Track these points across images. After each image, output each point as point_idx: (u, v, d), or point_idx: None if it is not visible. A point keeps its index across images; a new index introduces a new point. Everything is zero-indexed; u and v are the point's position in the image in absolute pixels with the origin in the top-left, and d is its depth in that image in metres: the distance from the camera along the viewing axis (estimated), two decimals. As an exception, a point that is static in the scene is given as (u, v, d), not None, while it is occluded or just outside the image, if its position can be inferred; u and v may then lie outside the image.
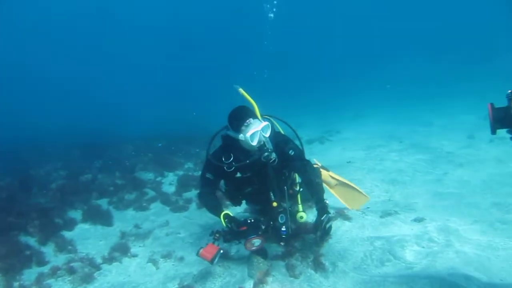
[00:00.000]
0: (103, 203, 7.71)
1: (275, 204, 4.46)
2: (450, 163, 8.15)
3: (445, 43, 32.85)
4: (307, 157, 9.33)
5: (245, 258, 4.64)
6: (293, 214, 4.63)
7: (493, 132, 2.49)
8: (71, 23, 36.60)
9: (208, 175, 4.55)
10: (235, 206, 5.06)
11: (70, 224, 6.67)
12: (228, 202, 5.34)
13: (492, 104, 2.46)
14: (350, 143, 11.33)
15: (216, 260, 4.09)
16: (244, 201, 5.03)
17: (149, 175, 9.37)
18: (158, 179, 9.17)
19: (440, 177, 7.25)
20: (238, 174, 4.50)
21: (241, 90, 4.68)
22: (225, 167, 4.36)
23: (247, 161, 4.26)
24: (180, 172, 9.63)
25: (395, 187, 6.89)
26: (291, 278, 4.21)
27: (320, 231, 4.28)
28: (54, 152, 11.88)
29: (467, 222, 5.19)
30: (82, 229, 6.64)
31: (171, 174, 9.57)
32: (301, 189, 4.78)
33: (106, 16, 37.53)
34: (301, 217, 4.54)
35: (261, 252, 4.53)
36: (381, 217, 5.47)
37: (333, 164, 8.80)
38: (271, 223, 4.42)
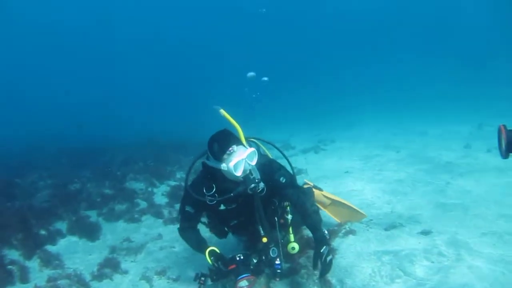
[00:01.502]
0: (92, 214, 7.35)
1: (265, 239, 4.04)
2: (449, 173, 7.96)
3: (437, 48, 33.14)
4: (303, 167, 9.21)
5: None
6: (284, 245, 4.23)
7: (506, 156, 2.26)
8: (56, 28, 36.33)
9: (188, 208, 4.17)
10: (220, 239, 4.64)
11: (56, 237, 6.32)
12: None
13: (505, 126, 2.24)
14: (346, 153, 11.13)
15: None
16: (230, 233, 4.61)
17: (140, 185, 9.04)
18: (150, 189, 8.83)
19: (442, 188, 7.05)
20: (222, 207, 4.11)
21: (223, 112, 4.23)
22: (206, 200, 3.96)
23: (231, 194, 3.83)
24: (173, 183, 9.32)
25: (397, 198, 6.67)
26: (297, 297, 3.95)
27: (320, 265, 3.83)
28: (41, 160, 11.54)
29: (475, 235, 4.96)
30: (70, 241, 6.30)
31: (163, 184, 9.25)
32: (292, 217, 4.37)
33: (95, 21, 37.34)
34: (293, 248, 4.18)
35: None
36: (385, 229, 5.23)
37: (331, 174, 8.61)
38: (263, 257, 4.08)
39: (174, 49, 41.73)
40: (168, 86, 37.38)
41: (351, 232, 5.08)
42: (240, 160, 3.71)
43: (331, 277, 4.11)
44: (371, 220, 5.64)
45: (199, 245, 4.15)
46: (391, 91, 23.92)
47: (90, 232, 6.45)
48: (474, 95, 18.79)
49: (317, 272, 3.96)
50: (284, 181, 4.08)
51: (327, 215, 5.54)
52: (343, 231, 5.14)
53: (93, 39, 38.74)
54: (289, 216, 4.35)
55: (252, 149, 3.86)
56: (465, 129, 12.76)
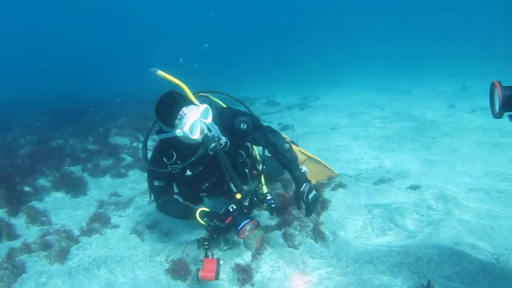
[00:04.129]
0: (77, 170, 7.23)
1: (238, 195, 3.82)
2: (435, 131, 8.02)
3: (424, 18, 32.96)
4: (289, 122, 9.14)
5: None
6: (259, 203, 4.09)
7: (499, 115, 2.11)
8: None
9: (156, 183, 3.90)
10: (197, 206, 4.20)
11: (41, 193, 6.18)
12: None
13: (499, 82, 2.09)
14: (331, 110, 11.11)
15: (220, 274, 3.55)
16: (205, 198, 4.37)
17: (124, 140, 8.88)
18: (135, 144, 8.68)
19: (428, 145, 7.10)
20: (188, 172, 3.90)
21: (161, 73, 3.59)
22: (170, 170, 3.70)
23: (193, 159, 3.54)
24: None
25: (384, 154, 6.70)
26: (291, 249, 3.95)
27: (304, 204, 3.59)
28: (21, 119, 11.26)
29: (463, 190, 5.05)
30: (55, 198, 6.19)
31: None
32: (263, 167, 4.19)
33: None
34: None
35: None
36: (374, 184, 5.28)
37: (317, 130, 8.61)
38: (254, 198, 3.98)
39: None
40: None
41: (341, 185, 5.11)
42: (194, 121, 3.39)
43: (324, 228, 4.13)
44: (360, 174, 5.67)
45: (185, 212, 3.89)
46: (374, 49, 23.78)
47: (75, 187, 6.32)
48: (457, 54, 18.82)
49: (304, 214, 3.76)
50: (245, 127, 3.74)
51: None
52: (333, 184, 5.17)
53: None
54: (261, 167, 4.20)
55: (205, 105, 3.51)
56: (449, 89, 12.79)
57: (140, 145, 8.59)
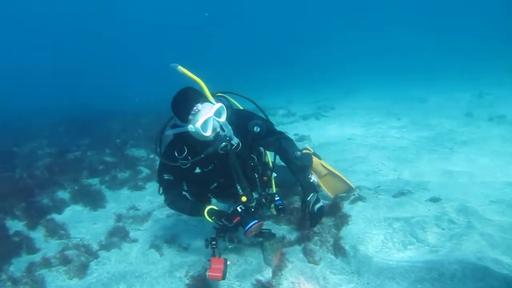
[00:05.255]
0: (95, 182, 7.30)
1: (244, 198, 3.81)
2: (452, 140, 7.92)
3: (441, 15, 32.72)
4: (306, 133, 9.11)
5: (258, 242, 4.30)
6: (267, 205, 4.06)
7: None
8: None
9: (166, 177, 3.91)
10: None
11: (60, 206, 6.27)
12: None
13: None
14: (347, 119, 11.04)
15: (227, 274, 3.59)
16: (213, 199, 4.36)
17: (141, 152, 8.94)
18: (151, 156, 8.73)
19: (446, 155, 7.01)
20: (198, 170, 3.86)
21: (181, 68, 3.64)
22: (180, 164, 3.71)
23: (202, 155, 3.57)
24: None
25: (402, 165, 6.62)
26: (311, 265, 3.91)
27: (309, 214, 3.61)
28: (38, 130, 11.38)
29: (484, 203, 4.94)
30: (74, 211, 6.25)
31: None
32: (275, 175, 4.18)
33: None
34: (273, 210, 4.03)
35: (268, 235, 4.08)
36: (394, 196, 5.20)
37: (334, 141, 8.55)
38: (263, 199, 3.96)
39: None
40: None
41: (360, 198, 5.06)
42: (207, 118, 3.42)
43: (344, 243, 4.09)
44: (379, 187, 5.60)
45: (194, 208, 3.93)
46: (390, 59, 23.67)
47: (93, 200, 6.39)
48: (473, 60, 18.65)
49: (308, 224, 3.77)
50: (258, 130, 3.74)
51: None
52: (352, 197, 5.11)
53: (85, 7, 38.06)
54: (274, 174, 4.17)
55: (220, 104, 3.54)
56: (465, 97, 12.63)
57: (157, 157, 8.65)
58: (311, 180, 3.72)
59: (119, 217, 5.70)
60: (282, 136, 3.94)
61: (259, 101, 4.21)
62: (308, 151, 5.38)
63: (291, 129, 10.25)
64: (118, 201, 6.52)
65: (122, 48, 38.00)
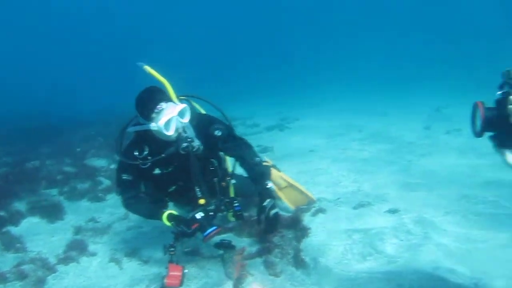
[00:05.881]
0: (53, 193, 7.10)
1: (202, 201, 3.84)
2: (412, 153, 8.13)
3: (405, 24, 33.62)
4: (269, 145, 9.16)
5: (219, 255, 4.29)
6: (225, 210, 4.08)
7: (480, 134, 2.20)
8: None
9: (125, 177, 3.86)
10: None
11: (16, 218, 6.02)
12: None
13: (482, 103, 2.18)
14: (310, 131, 11.12)
15: (184, 280, 3.59)
16: (170, 203, 4.37)
17: (102, 162, 8.76)
18: (112, 166, 8.57)
19: (405, 168, 7.19)
20: (157, 171, 3.84)
21: (147, 68, 3.82)
22: (139, 164, 3.68)
23: (163, 155, 3.59)
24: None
25: (363, 177, 6.75)
26: (272, 277, 3.92)
27: (264, 220, 3.61)
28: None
29: (440, 214, 5.12)
30: (31, 223, 6.04)
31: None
32: (234, 181, 4.22)
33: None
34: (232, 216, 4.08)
35: (228, 247, 4.14)
36: (354, 208, 5.32)
37: (296, 153, 8.62)
38: (222, 207, 3.98)
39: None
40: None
41: (321, 210, 5.14)
42: (170, 117, 3.46)
43: (305, 255, 4.13)
44: (339, 198, 5.69)
45: (152, 212, 3.88)
46: (351, 71, 24.10)
47: (51, 212, 6.18)
48: (433, 76, 19.19)
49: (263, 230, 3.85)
50: (220, 134, 3.79)
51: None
52: (313, 209, 5.19)
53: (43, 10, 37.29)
54: (233, 181, 4.20)
55: (184, 105, 3.61)
56: (424, 110, 12.92)
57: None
58: (268, 186, 3.70)
59: (78, 230, 5.56)
60: (242, 141, 3.99)
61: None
62: (267, 163, 5.42)
63: (255, 140, 10.21)
64: (77, 213, 6.36)
65: (82, 50, 37.26)
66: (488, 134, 2.28)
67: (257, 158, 3.86)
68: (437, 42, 28.15)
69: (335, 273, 3.86)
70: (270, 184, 3.74)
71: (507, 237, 4.48)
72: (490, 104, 2.21)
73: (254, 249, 4.37)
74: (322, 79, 22.58)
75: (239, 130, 12.24)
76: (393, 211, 5.13)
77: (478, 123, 2.17)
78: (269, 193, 3.69)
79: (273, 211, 3.58)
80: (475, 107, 2.19)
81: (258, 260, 4.17)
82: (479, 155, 7.27)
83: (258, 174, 3.77)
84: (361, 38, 34.06)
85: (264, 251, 4.22)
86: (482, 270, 3.80)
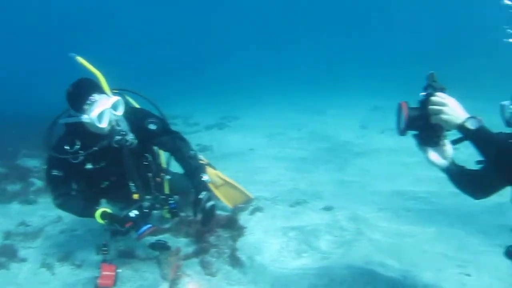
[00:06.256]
0: (-19, 195, 6.73)
1: (136, 196, 3.77)
2: (348, 152, 8.39)
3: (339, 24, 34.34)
4: (208, 143, 9.14)
5: (154, 256, 4.22)
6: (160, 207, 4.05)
7: (403, 133, 2.34)
8: None
9: (55, 172, 3.69)
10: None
11: None
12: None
13: (406, 103, 2.31)
14: (250, 130, 11.18)
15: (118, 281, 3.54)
16: (104, 200, 4.27)
17: (34, 162, 8.37)
18: (45, 166, 8.22)
19: (342, 166, 7.42)
20: (89, 165, 3.68)
21: (80, 59, 3.65)
22: (70, 158, 3.53)
23: (95, 148, 3.47)
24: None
25: (300, 175, 6.89)
26: (208, 277, 3.93)
27: (200, 212, 3.57)
28: None
29: (373, 210, 5.33)
30: (-44, 227, 5.72)
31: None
32: (169, 177, 4.18)
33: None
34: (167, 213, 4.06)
35: (162, 248, 4.09)
36: (291, 206, 5.44)
37: (236, 151, 8.66)
38: (156, 205, 3.96)
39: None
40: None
41: (258, 209, 5.21)
42: (103, 110, 3.35)
43: (241, 254, 4.17)
44: (277, 197, 5.79)
45: (85, 210, 3.77)
46: (291, 71, 24.37)
47: (-21, 216, 5.89)
48: (372, 76, 19.71)
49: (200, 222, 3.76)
50: (155, 128, 3.75)
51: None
52: (250, 208, 5.25)
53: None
54: (167, 176, 4.16)
55: (117, 97, 3.51)
56: (362, 109, 13.29)
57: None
58: (204, 179, 3.68)
59: (8, 235, 5.28)
60: (177, 135, 3.95)
61: (163, 109, 4.19)
62: (202, 162, 5.41)
63: (194, 139, 10.12)
64: (7, 216, 6.05)
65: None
66: (411, 132, 2.41)
67: (192, 152, 3.84)
68: (375, 43, 28.99)
69: (271, 271, 3.92)
70: (205, 177, 3.72)
71: (434, 232, 4.76)
72: (415, 104, 2.33)
73: (190, 249, 4.35)
74: (263, 78, 22.65)
75: (178, 129, 11.89)
76: (328, 208, 5.29)
77: (402, 122, 2.28)
78: (205, 186, 3.66)
79: (209, 203, 3.53)
80: (399, 107, 2.30)
81: (195, 260, 4.16)
82: (411, 153, 7.56)
83: (194, 167, 3.75)
84: (301, 37, 34.55)
85: (201, 251, 4.22)
86: (411, 263, 4.02)
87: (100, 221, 3.65)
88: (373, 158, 7.86)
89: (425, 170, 6.47)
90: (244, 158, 8.12)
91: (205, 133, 11.29)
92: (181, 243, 4.51)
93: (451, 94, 2.23)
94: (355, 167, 7.33)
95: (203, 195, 3.53)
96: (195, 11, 40.20)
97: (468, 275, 3.84)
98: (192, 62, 30.95)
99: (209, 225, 3.87)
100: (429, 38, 25.83)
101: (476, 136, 2.09)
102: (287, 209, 5.30)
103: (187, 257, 4.20)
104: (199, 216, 3.65)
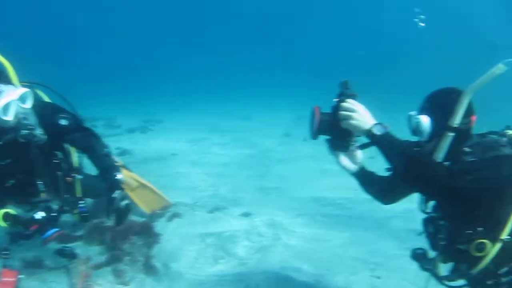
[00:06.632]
0: None
1: (43, 195, 3.56)
2: (270, 158, 8.50)
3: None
4: (128, 147, 8.85)
5: (62, 265, 3.96)
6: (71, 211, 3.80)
7: (315, 137, 2.40)
8: None
9: None
10: None
11: None
12: None
13: (319, 108, 2.38)
14: (173, 134, 10.96)
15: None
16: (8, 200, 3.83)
17: None
18: None
19: (263, 172, 7.49)
20: None
21: None
22: None
23: (0, 143, 3.21)
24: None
25: (221, 181, 6.86)
26: (120, 286, 3.78)
27: (114, 212, 3.31)
28: None
29: (291, 216, 5.43)
30: None
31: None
32: (80, 177, 3.90)
33: None
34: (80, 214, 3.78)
35: (70, 256, 3.83)
36: (210, 212, 5.41)
37: (157, 156, 8.45)
38: (65, 208, 3.69)
39: None
40: None
41: (176, 215, 5.13)
42: (10, 101, 3.09)
43: (156, 262, 4.06)
44: (196, 202, 5.72)
45: None
46: (218, 76, 24.37)
47: None
48: (295, 84, 20.10)
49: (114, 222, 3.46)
50: (66, 123, 3.48)
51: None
52: (168, 214, 5.14)
53: None
54: (79, 176, 3.88)
55: (26, 89, 3.24)
56: (287, 117, 13.46)
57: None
58: (117, 177, 3.44)
59: None
60: (90, 132, 3.68)
61: (81, 111, 3.97)
62: (117, 163, 5.19)
63: (114, 142, 9.78)
64: None
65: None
66: (324, 137, 2.45)
67: (106, 150, 3.58)
68: (303, 52, 29.66)
69: (187, 278, 3.86)
70: (119, 176, 3.54)
71: (348, 236, 4.92)
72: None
73: (103, 257, 4.17)
74: (189, 82, 22.47)
75: (97, 131, 11.32)
76: (246, 215, 5.32)
77: (314, 126, 2.32)
78: (119, 184, 3.41)
79: (123, 202, 3.29)
80: (312, 111, 2.34)
81: (107, 269, 3.97)
82: (331, 161, 7.78)
83: (107, 165, 3.50)
84: (226, 43, 34.70)
85: (113, 259, 4.04)
86: (325, 267, 4.14)
87: (2, 223, 3.35)
88: (294, 165, 8.01)
89: (343, 177, 6.66)
90: (165, 163, 7.96)
91: (126, 136, 10.91)
92: (94, 251, 4.29)
93: (365, 102, 2.31)
94: (276, 173, 7.43)
95: (117, 193, 3.29)
96: (122, 11, 39.18)
97: (378, 277, 4.02)
98: (118, 63, 30.08)
99: (123, 225, 3.65)
100: (357, 48, 26.86)
101: (381, 142, 2.16)
102: (206, 215, 5.26)
103: (99, 265, 4.01)
104: (113, 217, 3.37)
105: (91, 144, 3.57)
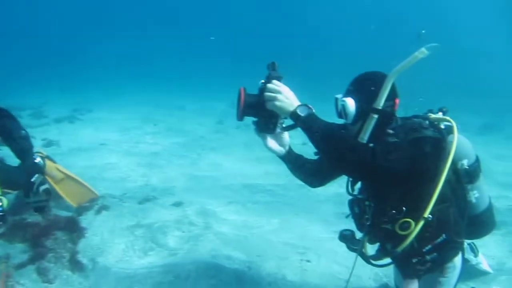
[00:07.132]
0: None
1: None
2: (203, 147, 8.48)
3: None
4: (55, 138, 8.48)
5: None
6: None
7: (241, 118, 2.40)
8: None
9: None
10: None
11: None
12: None
13: (244, 89, 2.37)
14: (103, 124, 10.64)
15: None
16: None
17: None
18: None
19: (195, 161, 7.44)
20: None
21: None
22: None
23: None
24: None
25: (152, 171, 6.75)
26: (45, 284, 3.63)
27: (33, 197, 3.11)
28: None
29: (223, 204, 5.46)
30: None
31: None
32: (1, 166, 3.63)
33: None
34: None
35: None
36: (139, 203, 5.31)
37: (86, 147, 8.18)
38: None
39: None
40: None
41: (104, 207, 4.97)
42: None
43: (82, 257, 3.94)
44: (125, 194, 5.59)
45: None
46: (152, 65, 23.88)
47: None
48: (233, 71, 20.04)
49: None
50: None
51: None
52: (96, 207, 4.97)
53: None
54: None
55: None
56: (221, 105, 13.50)
57: None
58: (36, 161, 3.24)
59: None
60: (4, 113, 3.48)
61: (4, 99, 3.74)
62: (41, 154, 4.96)
63: (40, 133, 9.32)
64: None
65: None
66: (251, 119, 2.45)
67: (23, 132, 3.40)
68: (235, 40, 29.66)
69: (114, 272, 3.77)
70: (38, 159, 3.34)
71: (278, 222, 5.01)
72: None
73: (26, 256, 3.98)
74: (121, 71, 21.83)
75: (23, 121, 10.71)
76: (177, 204, 5.28)
77: (240, 107, 2.31)
78: (38, 168, 3.21)
79: (42, 187, 3.12)
80: (239, 93, 2.33)
81: (31, 267, 3.80)
82: (263, 148, 7.87)
83: (26, 148, 3.26)
84: (160, 32, 34.12)
85: (37, 256, 3.87)
86: (256, 253, 4.18)
87: None
88: (227, 152, 8.03)
89: (275, 164, 6.79)
90: (94, 153, 7.69)
91: (54, 127, 10.42)
92: (16, 250, 4.09)
93: (294, 83, 2.31)
94: (209, 161, 7.42)
95: (35, 178, 3.11)
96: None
97: (309, 261, 4.11)
98: (46, 49, 28.72)
99: (45, 213, 3.47)
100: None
101: (305, 123, 2.16)
102: (135, 207, 5.14)
103: (22, 264, 3.83)
104: (32, 203, 3.24)
105: (6, 126, 3.33)
